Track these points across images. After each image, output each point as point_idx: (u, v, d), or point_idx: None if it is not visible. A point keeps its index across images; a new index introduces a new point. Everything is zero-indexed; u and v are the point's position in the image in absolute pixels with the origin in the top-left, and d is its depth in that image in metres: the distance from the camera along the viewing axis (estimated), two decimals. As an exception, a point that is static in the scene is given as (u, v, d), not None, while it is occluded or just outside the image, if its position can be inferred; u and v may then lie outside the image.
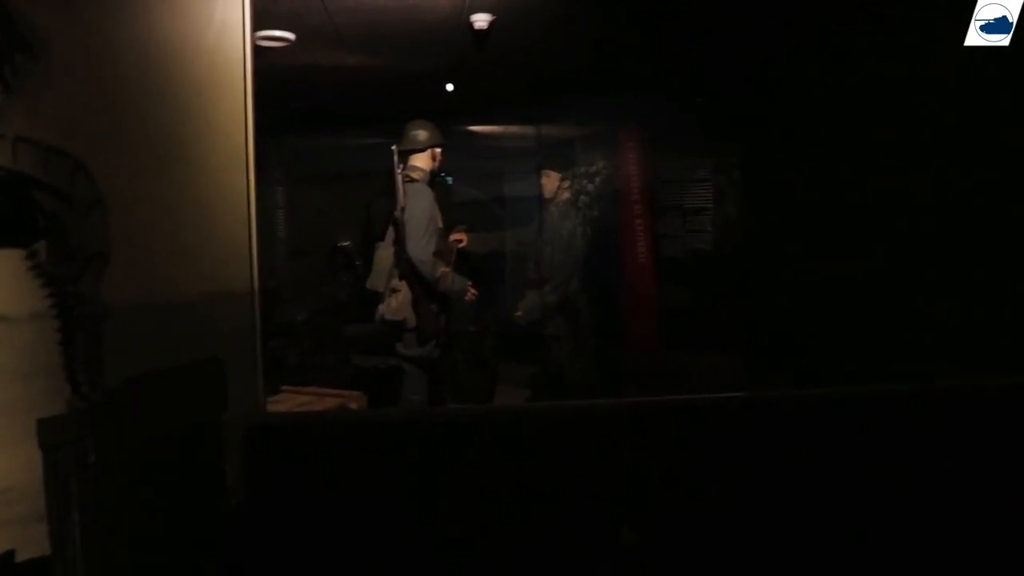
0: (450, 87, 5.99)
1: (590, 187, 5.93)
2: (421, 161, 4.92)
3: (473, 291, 4.95)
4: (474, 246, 5.54)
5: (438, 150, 4.97)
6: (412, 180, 4.82)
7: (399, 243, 4.73)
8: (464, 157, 7.23)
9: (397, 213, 4.71)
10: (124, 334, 2.23)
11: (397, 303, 4.77)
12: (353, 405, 4.28)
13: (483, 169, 7.93)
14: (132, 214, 2.27)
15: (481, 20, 4.46)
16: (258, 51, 4.86)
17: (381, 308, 4.86)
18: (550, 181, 5.53)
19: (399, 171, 4.71)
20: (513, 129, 7.78)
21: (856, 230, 4.59)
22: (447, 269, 4.81)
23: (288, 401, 4.24)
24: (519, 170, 7.43)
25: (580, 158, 5.93)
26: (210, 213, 2.55)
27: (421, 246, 4.65)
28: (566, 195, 5.54)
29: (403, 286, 4.77)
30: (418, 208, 4.70)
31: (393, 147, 4.72)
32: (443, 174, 5.19)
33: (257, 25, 4.20)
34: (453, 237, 5.36)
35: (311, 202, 6.80)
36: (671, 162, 6.55)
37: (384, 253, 4.84)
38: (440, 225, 4.94)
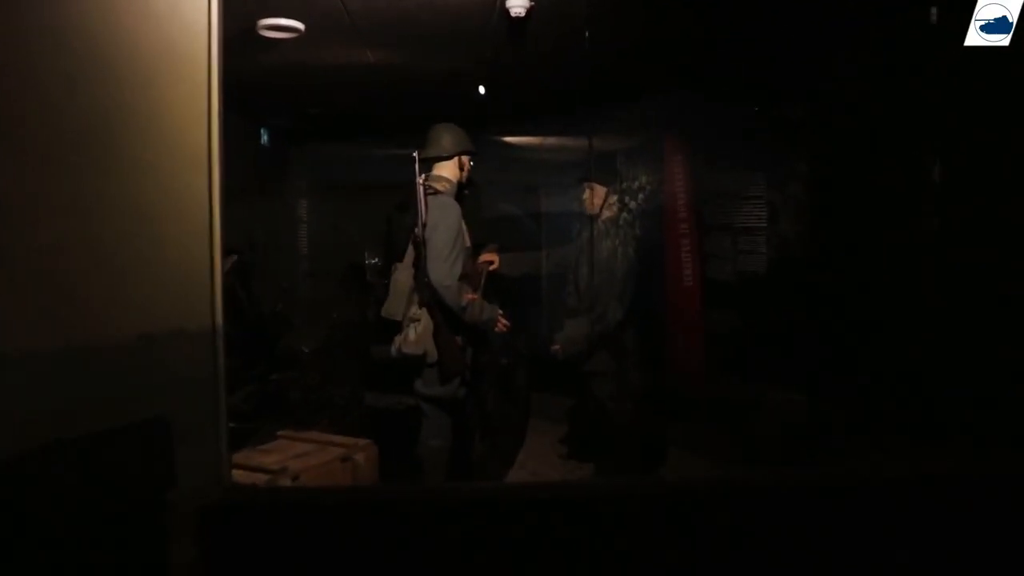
0: (481, 89, 5.46)
1: (632, 204, 5.35)
2: (446, 171, 4.38)
3: (505, 322, 4.38)
4: (506, 268, 4.99)
5: (466, 158, 4.42)
6: (436, 192, 4.27)
7: (420, 264, 4.18)
8: (495, 168, 6.70)
9: (418, 230, 4.16)
10: (29, 392, 1.70)
11: (416, 334, 4.20)
12: (359, 456, 3.74)
13: (516, 182, 7.34)
14: (41, 232, 1.74)
15: (518, 6, 3.93)
16: (266, 44, 4.43)
17: (398, 339, 4.29)
18: (595, 195, 4.96)
19: (421, 181, 4.17)
20: (550, 140, 7.24)
21: (935, 252, 4.05)
22: (475, 296, 4.25)
23: (283, 451, 3.71)
24: (556, 183, 6.88)
25: (621, 172, 5.33)
26: (157, 231, 2.01)
27: (445, 269, 4.09)
28: (612, 211, 4.97)
29: (423, 314, 4.20)
30: (442, 224, 4.15)
31: (414, 154, 4.18)
32: (472, 186, 4.64)
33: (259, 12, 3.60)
34: (483, 258, 4.81)
35: (327, 216, 6.28)
36: (721, 177, 6.08)
37: (402, 276, 4.28)
38: (468, 244, 4.38)
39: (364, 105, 6.08)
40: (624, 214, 5.10)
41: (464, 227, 4.31)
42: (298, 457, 3.62)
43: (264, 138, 7.40)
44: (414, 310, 4.24)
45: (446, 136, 4.37)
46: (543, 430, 6.78)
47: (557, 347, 4.88)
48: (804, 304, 5.37)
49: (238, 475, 3.43)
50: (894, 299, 4.31)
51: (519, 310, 5.22)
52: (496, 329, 4.36)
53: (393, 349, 4.32)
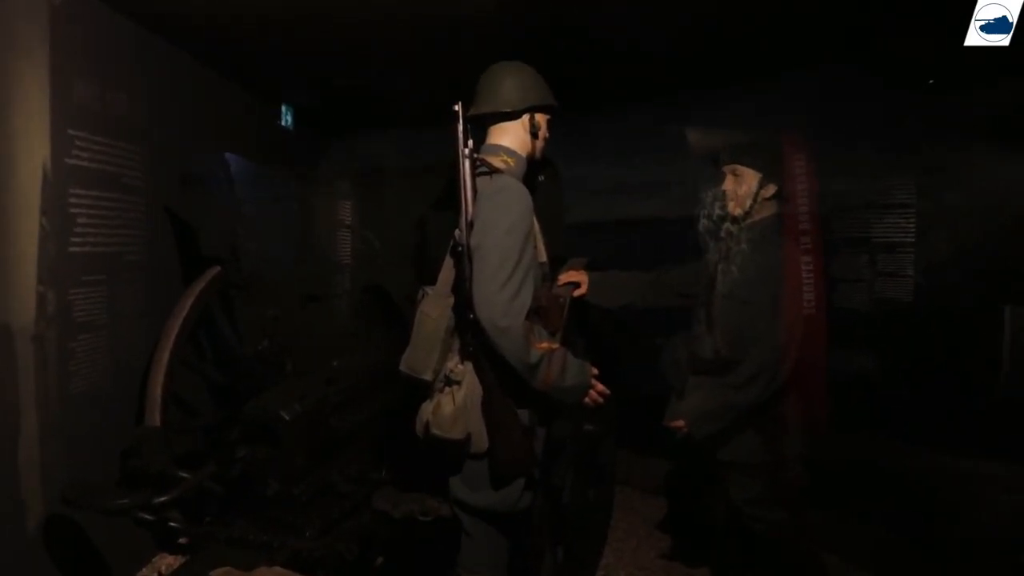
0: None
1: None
2: (509, 137, 2.78)
3: (601, 388, 2.72)
4: (600, 295, 3.35)
5: (541, 118, 2.81)
6: (492, 171, 2.67)
7: (463, 290, 2.58)
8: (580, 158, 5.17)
9: (459, 232, 2.57)
10: None
11: (454, 407, 2.60)
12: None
13: (611, 176, 5.76)
14: None
15: None
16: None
17: (425, 411, 2.70)
18: (742, 185, 3.28)
19: (465, 153, 2.55)
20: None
21: None
22: (553, 345, 2.61)
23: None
24: (668, 175, 5.33)
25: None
26: None
27: (503, 298, 2.47)
28: (770, 209, 3.29)
29: (467, 373, 2.62)
30: (500, 222, 2.53)
31: (456, 106, 2.56)
32: (550, 167, 3.06)
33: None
34: (563, 278, 3.20)
35: (340, 217, 4.73)
36: (855, 179, 4.87)
37: (435, 308, 2.67)
38: (543, 258, 2.78)
39: (398, 69, 4.63)
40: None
41: (537, 230, 2.70)
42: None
43: (286, 119, 6.04)
44: (452, 365, 2.67)
45: (509, 82, 2.77)
46: (629, 505, 5.33)
47: (680, 423, 3.19)
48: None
49: None
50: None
51: (615, 360, 3.59)
52: (587, 401, 2.70)
53: (418, 425, 2.72)
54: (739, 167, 3.29)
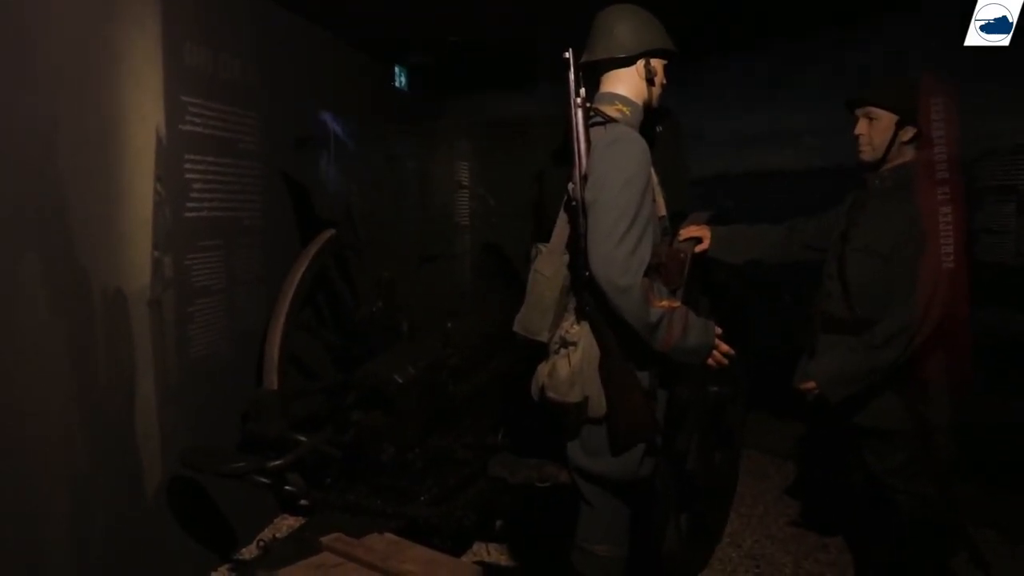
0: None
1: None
2: (624, 84, 2.65)
3: (726, 348, 2.59)
4: (724, 250, 3.21)
5: (658, 63, 2.67)
6: (607, 120, 2.55)
7: (577, 247, 2.49)
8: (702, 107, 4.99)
9: (571, 187, 2.47)
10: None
11: (570, 368, 2.52)
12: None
13: (728, 123, 5.58)
14: None
15: None
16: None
17: (541, 373, 2.63)
18: (877, 129, 3.04)
19: (577, 102, 2.44)
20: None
21: None
22: (673, 303, 2.49)
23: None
24: (795, 124, 5.11)
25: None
26: None
27: (619, 255, 2.35)
28: (908, 154, 3.05)
29: (583, 334, 2.53)
30: (616, 175, 2.41)
31: (567, 53, 2.45)
32: (667, 118, 2.91)
33: None
34: (685, 233, 3.08)
35: (454, 176, 4.68)
36: (1002, 120, 4.50)
37: (548, 266, 2.59)
38: (663, 212, 2.67)
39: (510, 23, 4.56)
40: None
41: (656, 182, 2.57)
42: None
43: (400, 79, 6.06)
44: (568, 326, 2.58)
45: (622, 25, 2.63)
46: (757, 470, 5.23)
47: (811, 385, 3.01)
48: None
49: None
50: None
51: (741, 319, 3.45)
52: (710, 362, 2.57)
53: (534, 388, 2.65)
54: (873, 109, 3.04)
